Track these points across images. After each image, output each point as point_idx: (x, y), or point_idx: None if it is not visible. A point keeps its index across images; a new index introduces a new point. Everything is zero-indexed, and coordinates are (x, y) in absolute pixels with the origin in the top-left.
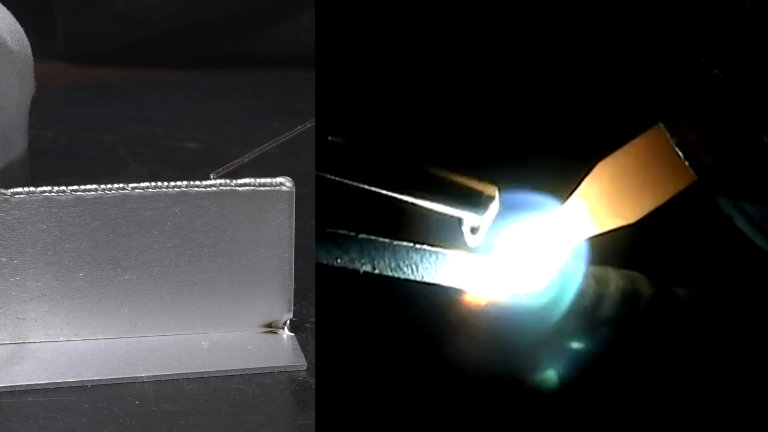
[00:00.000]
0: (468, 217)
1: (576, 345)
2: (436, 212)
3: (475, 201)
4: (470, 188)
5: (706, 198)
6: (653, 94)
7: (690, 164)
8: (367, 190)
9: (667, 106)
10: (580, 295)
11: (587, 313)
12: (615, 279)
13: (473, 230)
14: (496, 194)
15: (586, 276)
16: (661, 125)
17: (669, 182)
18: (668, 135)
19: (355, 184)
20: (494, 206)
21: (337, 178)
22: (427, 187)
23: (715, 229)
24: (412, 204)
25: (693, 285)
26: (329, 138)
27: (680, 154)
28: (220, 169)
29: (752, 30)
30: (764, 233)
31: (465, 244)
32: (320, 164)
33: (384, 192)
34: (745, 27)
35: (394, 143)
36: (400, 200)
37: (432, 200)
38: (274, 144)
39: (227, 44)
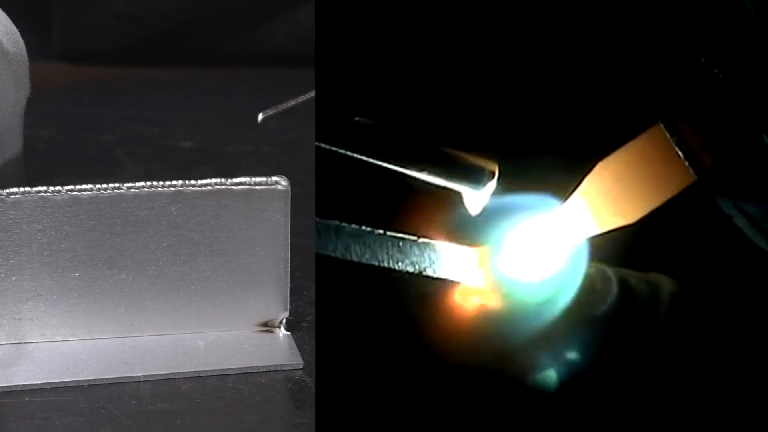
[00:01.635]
0: (467, 192)
1: (576, 346)
2: (435, 185)
3: (476, 175)
4: (470, 162)
5: (706, 198)
6: (653, 94)
7: (690, 164)
8: (366, 162)
9: (667, 106)
10: (586, 294)
11: (591, 312)
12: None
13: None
14: (496, 169)
15: (595, 275)
16: (661, 125)
17: (669, 182)
18: (668, 135)
19: (355, 155)
20: (493, 182)
21: (336, 149)
22: (427, 160)
23: (715, 229)
24: (412, 177)
25: (693, 285)
26: (356, 119)
27: (680, 154)
28: (270, 110)
29: (752, 30)
30: (764, 233)
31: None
32: (320, 135)
33: (384, 164)
34: (745, 27)
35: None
36: (401, 174)
37: (432, 173)
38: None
39: (225, 41)
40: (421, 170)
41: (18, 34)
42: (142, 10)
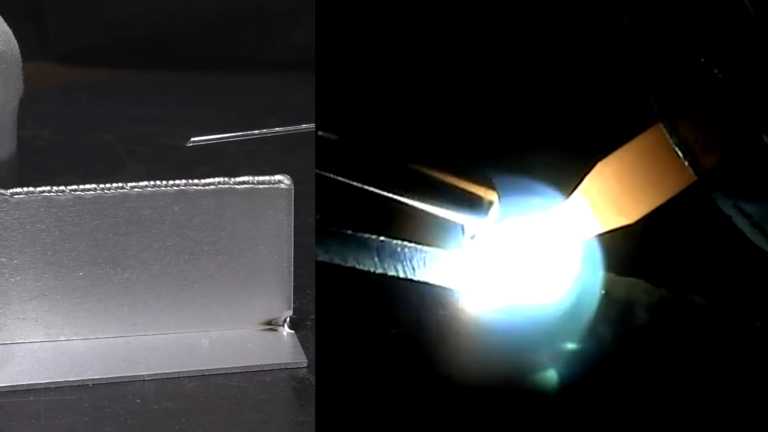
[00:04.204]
0: (467, 222)
1: (577, 347)
2: (435, 215)
3: (475, 205)
4: (470, 192)
5: (706, 198)
6: (653, 93)
7: (690, 164)
8: (367, 190)
9: (667, 105)
10: (589, 298)
11: (589, 316)
12: (617, 286)
13: (473, 236)
14: (496, 199)
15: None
16: (661, 125)
17: (669, 182)
18: (668, 134)
19: (355, 184)
20: (494, 211)
21: (338, 178)
22: (427, 190)
23: (715, 229)
24: (412, 206)
25: (692, 285)
26: (320, 133)
27: (680, 154)
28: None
29: (752, 30)
30: (764, 233)
31: (463, 245)
32: (320, 163)
33: (384, 194)
34: (744, 27)
35: (394, 142)
36: (401, 202)
37: (432, 203)
38: (274, 133)
39: (216, 51)
40: (416, 199)
41: (10, 33)
42: (136, 15)
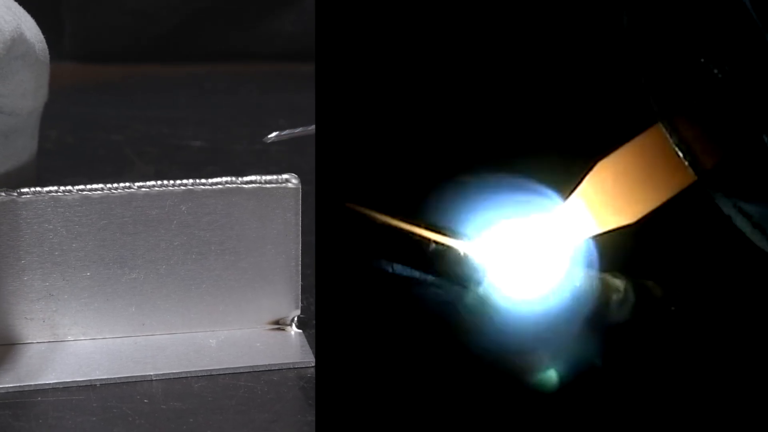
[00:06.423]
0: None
1: (576, 347)
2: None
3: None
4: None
5: (706, 198)
6: (653, 93)
7: (690, 164)
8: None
9: (667, 105)
10: (586, 298)
11: (590, 316)
12: (621, 284)
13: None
14: (445, 241)
15: (591, 280)
16: (661, 125)
17: (669, 182)
18: (668, 135)
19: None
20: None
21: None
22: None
23: (715, 229)
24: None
25: (692, 285)
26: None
27: (680, 154)
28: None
29: (752, 30)
30: (764, 233)
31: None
32: (321, 162)
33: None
34: (744, 27)
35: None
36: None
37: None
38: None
39: (234, 34)
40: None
41: (45, 42)
42: (153, 5)
